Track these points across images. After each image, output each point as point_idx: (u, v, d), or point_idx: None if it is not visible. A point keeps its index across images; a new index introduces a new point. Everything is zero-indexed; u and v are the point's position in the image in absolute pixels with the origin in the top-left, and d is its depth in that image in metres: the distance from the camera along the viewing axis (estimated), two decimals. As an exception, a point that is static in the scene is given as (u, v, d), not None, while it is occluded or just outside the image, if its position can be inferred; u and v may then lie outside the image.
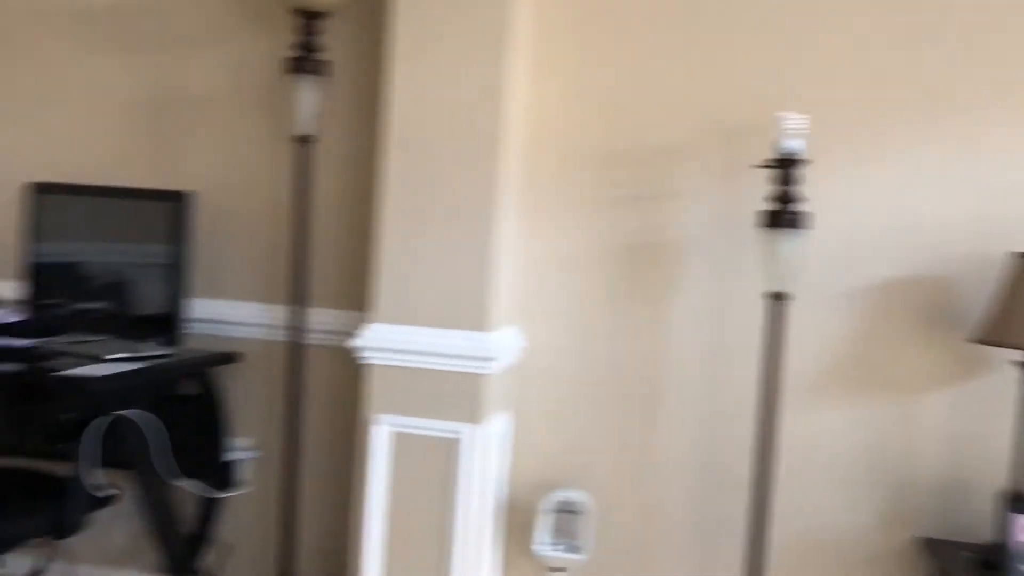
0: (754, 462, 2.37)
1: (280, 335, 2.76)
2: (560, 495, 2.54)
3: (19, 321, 2.65)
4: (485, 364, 2.38)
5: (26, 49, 2.91)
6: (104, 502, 2.42)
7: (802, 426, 2.49)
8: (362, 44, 2.69)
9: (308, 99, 2.55)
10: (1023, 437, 2.22)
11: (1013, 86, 2.35)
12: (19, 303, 2.75)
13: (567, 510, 2.55)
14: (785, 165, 2.25)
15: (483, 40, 2.35)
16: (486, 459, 2.42)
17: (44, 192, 2.69)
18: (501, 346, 2.44)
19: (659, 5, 2.53)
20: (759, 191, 2.46)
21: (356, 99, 2.71)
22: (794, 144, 2.25)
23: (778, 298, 2.29)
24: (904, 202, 2.41)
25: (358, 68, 2.70)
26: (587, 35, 2.57)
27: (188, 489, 2.71)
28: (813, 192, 2.44)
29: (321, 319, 2.74)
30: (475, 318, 2.39)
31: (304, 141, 2.58)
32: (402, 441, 2.42)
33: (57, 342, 2.65)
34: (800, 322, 2.48)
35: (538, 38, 2.59)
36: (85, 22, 2.87)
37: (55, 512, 2.30)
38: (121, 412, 2.36)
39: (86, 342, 2.64)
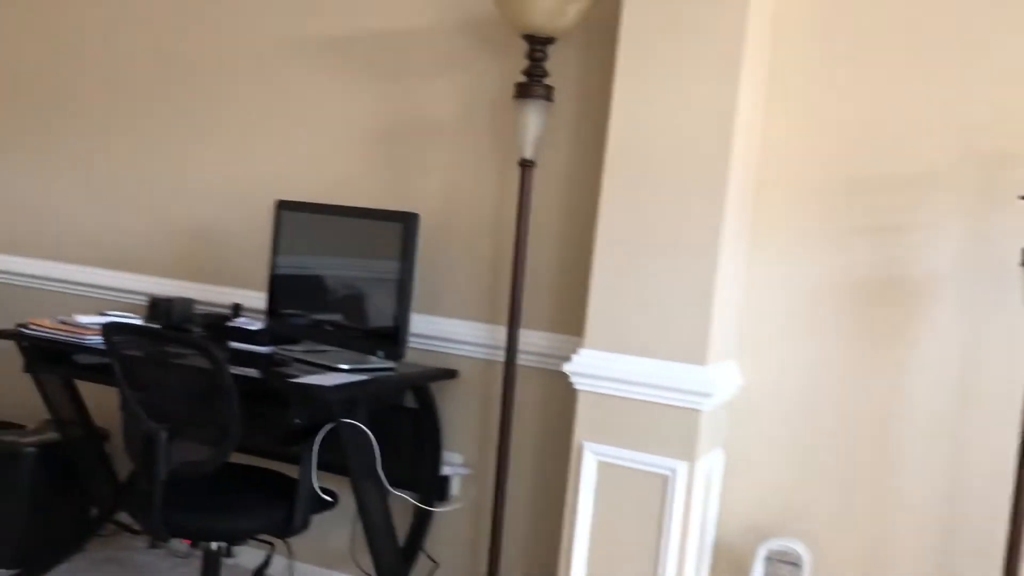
0: (1008, 527, 2.10)
1: (495, 355, 2.79)
2: (776, 543, 2.38)
3: (260, 329, 2.85)
4: (702, 399, 2.28)
5: (278, 77, 3.14)
6: (326, 505, 2.53)
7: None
8: (587, 68, 2.68)
9: (533, 123, 2.57)
10: None
11: None
12: (261, 312, 2.96)
13: (783, 560, 2.38)
14: (1055, 197, 2.00)
15: (713, 64, 2.26)
16: (698, 498, 2.31)
17: (286, 209, 2.89)
18: (719, 381, 2.33)
19: (905, 19, 2.33)
20: (1022, 225, 2.20)
21: (580, 123, 2.70)
22: (1067, 174, 1.99)
23: (1041, 347, 2.03)
24: None
25: (583, 92, 2.69)
26: (825, 53, 2.42)
27: (404, 499, 2.79)
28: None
29: (536, 341, 2.74)
30: (693, 350, 2.29)
31: (527, 165, 2.60)
32: (609, 471, 2.36)
33: (292, 350, 2.82)
34: (1067, 375, 2.19)
35: (772, 59, 2.47)
36: (331, 52, 3.06)
37: (285, 511, 2.44)
38: (347, 420, 2.47)
39: (318, 351, 2.79)
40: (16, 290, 3.63)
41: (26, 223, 3.63)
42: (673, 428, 2.30)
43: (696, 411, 2.28)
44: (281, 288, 2.89)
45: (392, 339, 2.59)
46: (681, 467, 2.29)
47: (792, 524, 2.46)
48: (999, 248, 2.24)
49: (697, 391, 2.27)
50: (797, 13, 2.44)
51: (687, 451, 2.29)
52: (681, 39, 2.29)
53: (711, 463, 2.43)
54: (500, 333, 2.76)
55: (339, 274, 2.76)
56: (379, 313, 2.64)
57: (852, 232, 2.40)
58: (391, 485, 2.63)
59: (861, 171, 2.39)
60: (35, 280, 3.58)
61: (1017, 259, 2.17)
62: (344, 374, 2.56)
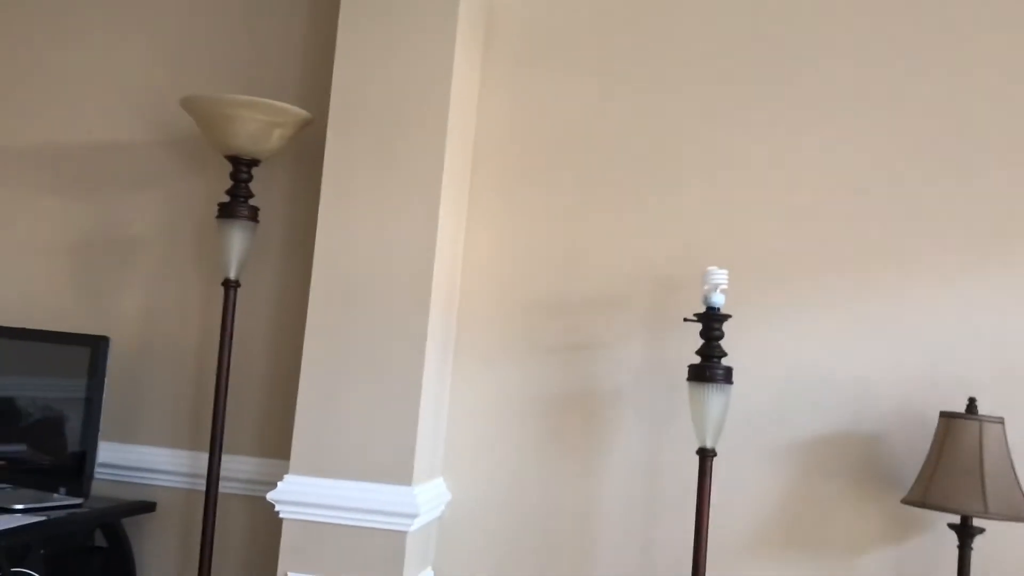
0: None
1: (199, 484, 2.64)
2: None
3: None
4: (408, 520, 2.27)
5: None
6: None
7: (737, 589, 2.39)
8: (295, 189, 2.70)
9: (236, 244, 2.52)
10: (963, 604, 2.14)
11: (938, 243, 2.38)
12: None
13: None
14: (710, 319, 2.24)
15: (414, 189, 2.36)
16: (405, 623, 2.28)
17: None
18: (425, 501, 2.34)
19: (588, 157, 2.57)
20: (691, 344, 2.45)
21: (288, 244, 2.69)
22: (718, 298, 2.24)
23: (704, 454, 2.23)
24: (834, 359, 2.40)
25: (291, 213, 2.70)
26: (519, 186, 2.60)
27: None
28: (743, 346, 2.42)
29: (243, 467, 2.63)
30: (398, 471, 2.30)
31: (230, 285, 2.54)
32: (315, 603, 2.28)
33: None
34: (731, 480, 2.41)
35: (471, 188, 2.62)
36: (29, 164, 2.86)
37: None
38: (20, 570, 2.22)
39: (-9, 491, 2.50)
40: None
41: None
42: (379, 552, 2.27)
43: (402, 533, 2.28)
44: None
45: (77, 472, 2.38)
46: (388, 592, 2.26)
47: (500, 640, 2.49)
48: (671, 364, 2.47)
49: (403, 512, 2.27)
50: (497, 143, 2.62)
51: (394, 574, 2.27)
52: (383, 164, 2.37)
53: (420, 584, 2.42)
54: (204, 460, 2.63)
55: (18, 405, 2.51)
56: (63, 445, 2.42)
57: (548, 349, 2.54)
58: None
59: (553, 292, 2.55)
60: None
61: (685, 375, 2.39)
62: (17, 516, 2.31)
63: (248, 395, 2.67)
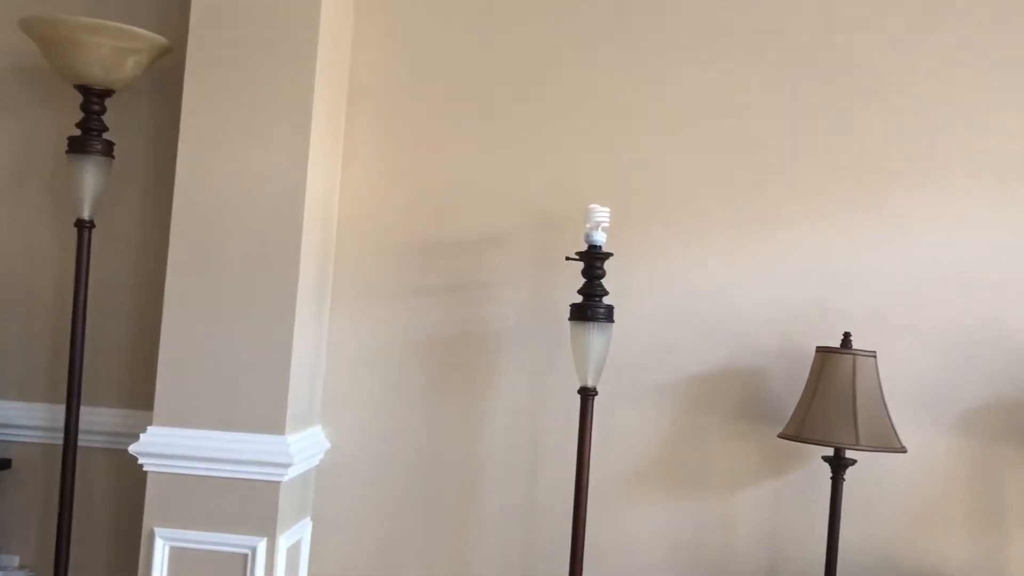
0: (569, 566, 2.23)
1: (56, 438, 2.48)
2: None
3: None
4: (281, 471, 2.18)
5: None
6: None
7: (616, 525, 2.39)
8: (155, 122, 2.51)
9: (90, 180, 2.34)
10: (837, 532, 2.18)
11: (819, 182, 2.38)
12: None
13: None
14: (591, 257, 2.19)
15: (282, 121, 2.22)
16: (281, 574, 2.20)
17: None
18: (299, 450, 2.25)
19: (470, 92, 2.47)
20: (575, 283, 2.40)
21: (149, 181, 2.52)
22: (599, 236, 2.19)
23: (585, 393, 2.20)
24: (716, 296, 2.39)
25: (150, 148, 2.52)
26: (399, 121, 2.48)
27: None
28: (626, 285, 2.39)
29: (105, 420, 2.49)
30: (271, 420, 2.20)
31: (85, 225, 2.36)
32: (182, 557, 2.18)
33: None
34: (613, 418, 2.40)
35: (347, 123, 2.49)
36: None
37: None
38: None
39: None
40: None
41: None
42: (251, 504, 2.18)
43: (275, 483, 2.18)
44: None
45: (-84, 430, 2.20)
46: (261, 544, 2.17)
47: (382, 587, 2.44)
48: (554, 304, 2.42)
49: (275, 463, 2.18)
50: (373, 76, 2.48)
51: (267, 527, 2.18)
52: (248, 94, 2.22)
53: (298, 534, 2.34)
54: (62, 413, 2.46)
55: None
56: (-101, 400, 2.23)
57: (430, 290, 2.46)
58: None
59: (435, 231, 2.46)
60: None
61: (567, 314, 2.34)
62: None
63: (108, 343, 2.51)
